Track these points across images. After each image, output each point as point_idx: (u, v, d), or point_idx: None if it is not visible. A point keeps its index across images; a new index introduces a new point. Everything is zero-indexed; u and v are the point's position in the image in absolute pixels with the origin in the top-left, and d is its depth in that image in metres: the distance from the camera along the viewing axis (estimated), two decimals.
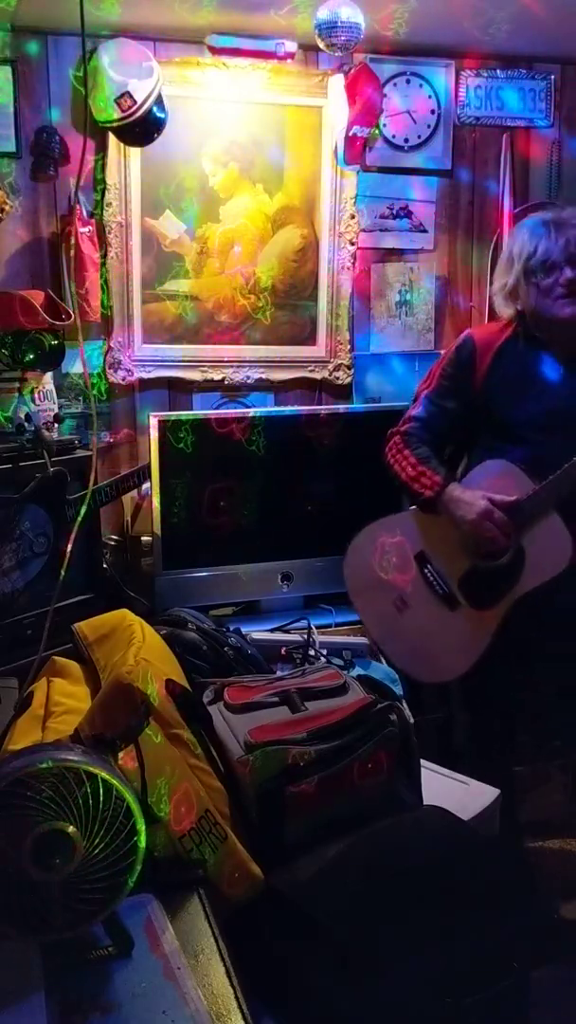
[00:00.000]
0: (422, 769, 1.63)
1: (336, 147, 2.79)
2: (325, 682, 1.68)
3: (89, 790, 1.10)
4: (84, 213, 2.64)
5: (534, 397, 2.10)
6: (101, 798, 1.10)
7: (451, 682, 2.22)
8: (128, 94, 2.47)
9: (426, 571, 2.20)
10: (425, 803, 1.58)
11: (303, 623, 2.28)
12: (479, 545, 2.08)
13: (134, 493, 2.68)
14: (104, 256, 2.71)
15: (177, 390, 2.90)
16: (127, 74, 2.47)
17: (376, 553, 2.30)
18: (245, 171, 2.79)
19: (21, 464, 2.12)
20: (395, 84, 2.89)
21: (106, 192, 2.68)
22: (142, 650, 1.51)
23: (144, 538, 2.67)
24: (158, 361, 2.83)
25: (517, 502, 2.03)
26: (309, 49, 2.69)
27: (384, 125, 2.89)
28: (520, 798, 2.35)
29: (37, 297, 2.29)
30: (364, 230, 2.95)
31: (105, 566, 2.52)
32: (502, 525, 2.03)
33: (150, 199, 2.73)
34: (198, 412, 2.74)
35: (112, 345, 2.78)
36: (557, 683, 2.22)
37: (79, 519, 2.00)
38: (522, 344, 2.16)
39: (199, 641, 1.93)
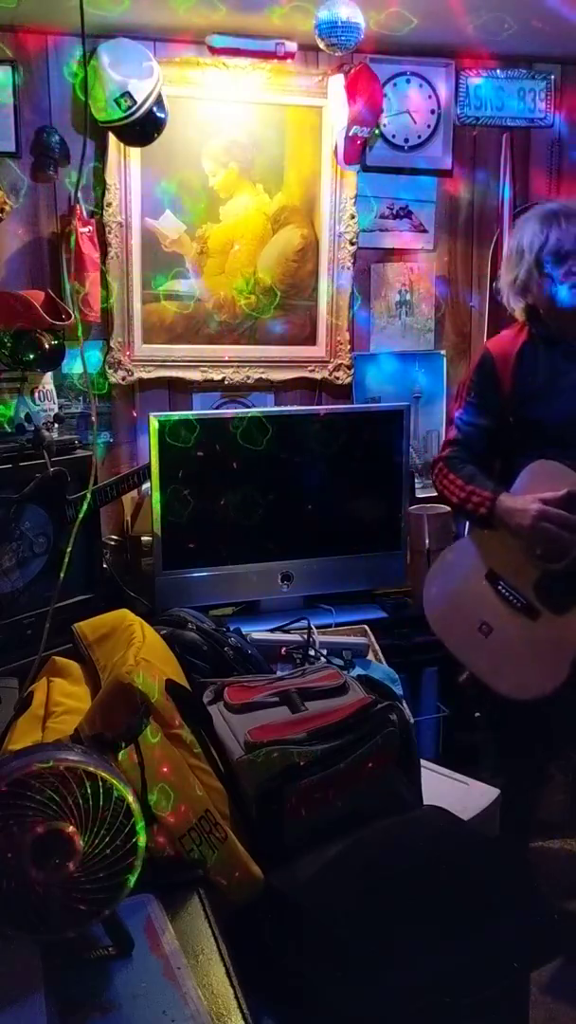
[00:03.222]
0: (422, 769, 1.63)
1: (336, 147, 2.79)
2: (325, 682, 1.68)
3: (89, 790, 1.10)
4: (84, 213, 2.64)
5: (563, 395, 2.09)
6: (101, 798, 1.10)
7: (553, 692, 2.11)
8: (128, 94, 2.47)
9: (500, 588, 2.15)
10: (425, 803, 1.58)
11: (303, 623, 2.28)
12: (544, 548, 2.05)
13: (134, 493, 2.68)
14: (104, 256, 2.71)
15: (177, 390, 2.90)
16: (127, 74, 2.47)
17: (449, 584, 2.27)
18: (245, 171, 2.79)
19: (21, 464, 2.12)
20: (395, 84, 2.89)
21: (106, 192, 2.68)
22: (142, 650, 1.51)
23: (144, 538, 2.67)
24: (158, 361, 2.83)
25: (570, 494, 2.00)
26: (309, 49, 2.69)
27: (384, 125, 2.89)
28: (522, 798, 2.35)
29: (37, 297, 2.29)
30: (364, 230, 2.95)
31: (105, 566, 2.52)
32: (560, 521, 2.00)
33: (150, 199, 2.73)
34: (198, 412, 2.75)
35: (112, 345, 2.77)
36: None
37: (79, 519, 2.00)
38: (539, 345, 2.15)
39: (199, 641, 1.93)
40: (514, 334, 2.21)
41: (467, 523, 2.90)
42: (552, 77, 2.99)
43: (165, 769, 1.35)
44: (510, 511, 2.07)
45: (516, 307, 2.18)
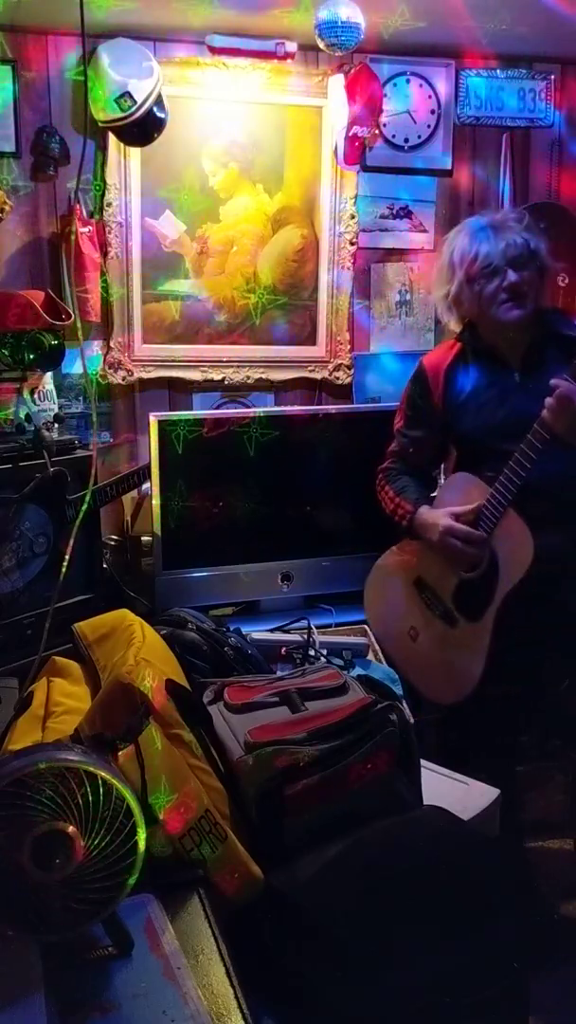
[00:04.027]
0: (422, 769, 1.63)
1: (336, 147, 2.79)
2: (325, 682, 1.68)
3: (89, 790, 1.10)
4: (84, 213, 2.65)
5: (492, 407, 2.12)
6: (101, 798, 1.10)
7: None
8: (128, 94, 2.47)
9: (424, 595, 2.25)
10: (425, 803, 1.58)
11: (303, 623, 2.28)
12: (452, 560, 2.12)
13: (134, 493, 2.68)
14: (104, 256, 2.71)
15: (177, 390, 2.90)
16: (127, 74, 2.47)
17: (384, 589, 2.37)
18: (245, 171, 2.79)
19: (21, 464, 2.12)
20: (395, 84, 2.89)
21: (106, 192, 2.68)
22: (142, 650, 1.51)
23: (144, 538, 2.67)
24: (158, 361, 2.83)
25: (478, 508, 2.05)
26: (309, 49, 2.69)
27: (384, 125, 2.89)
28: (520, 798, 2.35)
29: (37, 297, 2.28)
30: (364, 230, 2.95)
31: (105, 566, 2.52)
32: (466, 537, 2.06)
33: (150, 199, 2.73)
34: (198, 412, 2.74)
35: (112, 345, 2.78)
36: (562, 681, 2.22)
37: (79, 519, 2.00)
38: (471, 358, 2.18)
39: (199, 641, 1.93)
40: (447, 348, 2.25)
41: None
42: (552, 77, 2.99)
43: (165, 769, 1.35)
44: (423, 525, 2.17)
45: (448, 320, 2.21)
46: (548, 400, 1.87)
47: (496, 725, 2.23)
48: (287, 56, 2.67)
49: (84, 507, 2.03)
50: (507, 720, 2.24)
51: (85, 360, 2.67)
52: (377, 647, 2.34)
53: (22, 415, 2.26)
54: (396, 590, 2.32)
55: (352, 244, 2.92)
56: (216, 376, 2.88)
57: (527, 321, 2.07)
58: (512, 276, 2.03)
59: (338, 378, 2.98)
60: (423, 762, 1.66)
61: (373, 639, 2.36)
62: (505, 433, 2.04)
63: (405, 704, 1.76)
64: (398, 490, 2.28)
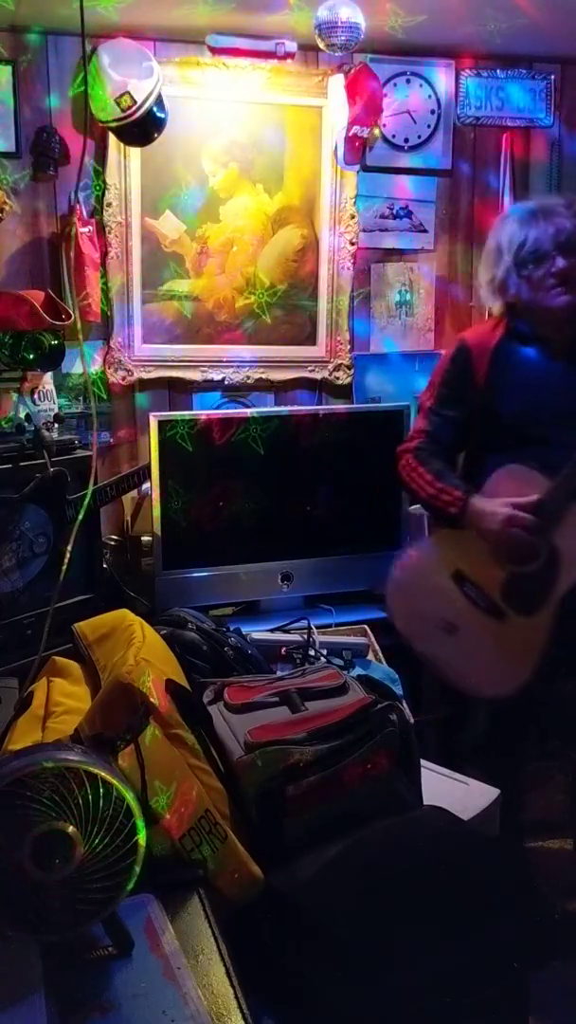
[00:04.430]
0: (422, 769, 1.63)
1: (336, 147, 2.79)
2: (325, 682, 1.68)
3: (89, 790, 1.10)
4: (84, 213, 2.65)
5: (536, 394, 2.08)
6: (101, 798, 1.10)
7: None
8: (128, 94, 2.47)
9: (465, 588, 2.15)
10: (425, 803, 1.58)
11: (303, 623, 2.27)
12: (511, 552, 2.05)
13: (134, 493, 2.68)
14: (104, 256, 2.71)
15: (177, 390, 2.90)
16: (127, 74, 2.47)
17: (413, 583, 2.26)
18: (245, 171, 2.79)
19: (21, 464, 2.12)
20: (395, 84, 2.89)
21: (106, 192, 2.68)
22: (142, 650, 1.51)
23: (144, 538, 2.67)
24: (158, 361, 2.83)
25: (539, 501, 2.00)
26: (309, 49, 2.69)
27: (384, 125, 2.89)
28: (521, 798, 2.35)
29: (37, 297, 2.29)
30: (364, 230, 2.95)
31: (105, 566, 2.52)
32: (529, 527, 2.00)
33: (150, 199, 2.73)
34: (198, 412, 2.74)
35: (112, 345, 2.78)
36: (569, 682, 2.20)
37: (79, 519, 2.00)
38: (517, 341, 2.13)
39: (199, 641, 1.93)
40: (491, 327, 2.19)
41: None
42: (552, 77, 2.99)
43: (165, 769, 1.35)
44: (480, 514, 2.06)
45: (493, 305, 2.17)
46: None
47: (522, 723, 2.20)
48: (287, 56, 2.67)
49: (84, 507, 2.03)
50: (527, 720, 2.21)
51: (85, 360, 2.67)
52: (377, 647, 2.33)
53: (22, 415, 2.26)
54: (429, 583, 2.21)
55: (352, 244, 2.92)
56: (216, 376, 2.88)
57: (574, 308, 2.03)
58: (561, 262, 2.00)
59: (338, 378, 2.98)
60: (423, 762, 1.66)
61: (373, 639, 2.36)
62: (549, 421, 2.01)
63: (405, 704, 1.76)
64: (437, 474, 2.16)
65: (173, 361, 2.85)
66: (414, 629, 2.24)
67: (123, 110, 2.48)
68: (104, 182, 2.68)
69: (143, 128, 2.56)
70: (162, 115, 2.57)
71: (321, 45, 2.42)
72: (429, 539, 2.31)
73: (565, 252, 2.01)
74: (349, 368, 2.99)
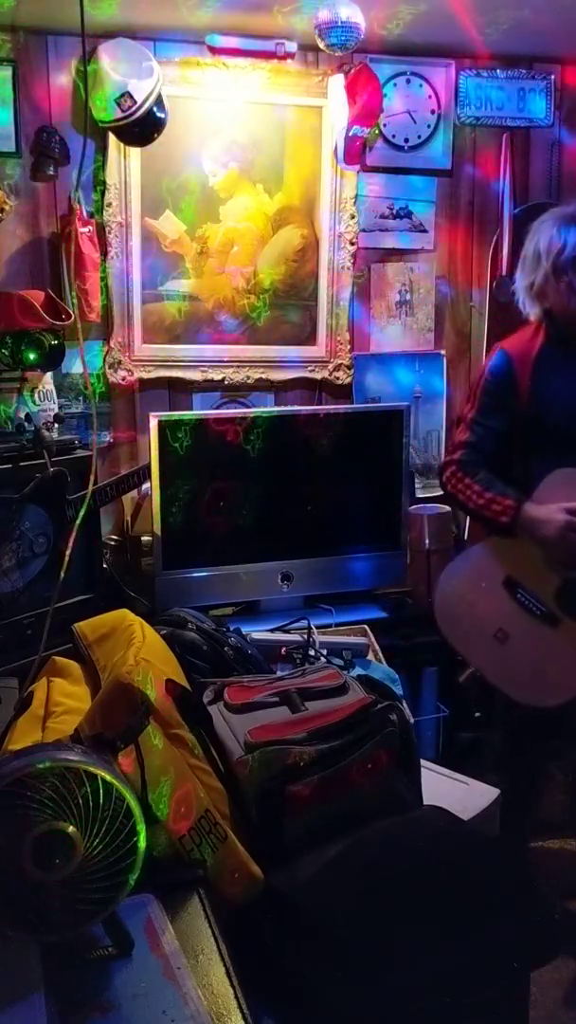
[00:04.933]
0: (422, 769, 1.63)
1: (336, 147, 2.79)
2: (325, 682, 1.68)
3: (89, 790, 1.10)
4: (84, 213, 2.64)
5: None
6: (101, 798, 1.10)
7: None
8: (128, 94, 2.47)
9: (519, 596, 2.14)
10: (425, 803, 1.58)
11: (303, 623, 2.28)
12: (567, 558, 2.04)
13: (134, 493, 2.68)
14: (104, 256, 2.71)
15: (177, 390, 2.90)
16: (127, 74, 2.47)
17: (464, 592, 2.24)
18: (245, 171, 2.79)
19: (21, 464, 2.12)
20: (395, 84, 2.89)
21: (106, 192, 2.68)
22: (142, 650, 1.51)
23: (144, 538, 2.67)
24: (158, 361, 2.83)
25: None
26: (309, 49, 2.69)
27: (384, 125, 2.89)
28: (527, 799, 2.35)
29: (37, 297, 2.29)
30: (364, 230, 2.95)
31: (105, 566, 2.52)
32: None
33: (150, 199, 2.73)
34: (198, 412, 2.75)
35: (112, 345, 2.78)
36: None
37: (79, 519, 2.00)
38: (558, 348, 2.12)
39: (199, 641, 1.93)
40: (531, 335, 2.17)
41: (467, 523, 2.89)
42: (552, 77, 2.99)
43: (165, 769, 1.35)
44: (534, 520, 2.05)
45: (532, 311, 2.15)
46: None
47: (548, 726, 2.18)
48: (287, 56, 2.67)
49: (84, 507, 2.03)
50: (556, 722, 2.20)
51: (85, 360, 2.67)
52: (377, 647, 2.33)
53: (22, 415, 2.26)
54: (480, 591, 2.20)
55: (352, 244, 2.91)
56: (216, 376, 2.88)
57: None
58: None
59: (338, 378, 2.98)
60: (423, 762, 1.66)
61: (373, 639, 2.36)
62: None
63: (405, 704, 1.76)
64: (485, 484, 2.15)
65: (173, 361, 2.85)
66: (465, 638, 2.22)
67: (123, 110, 2.48)
68: (104, 182, 2.68)
69: (143, 128, 2.56)
70: (162, 115, 2.57)
71: (321, 45, 2.42)
72: (476, 547, 2.26)
73: None
74: (349, 368, 2.99)
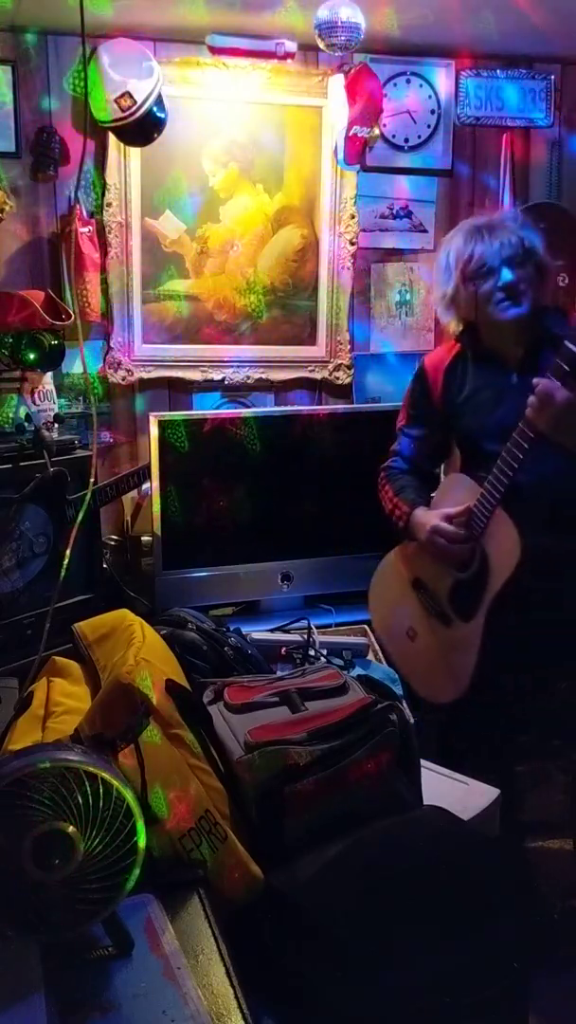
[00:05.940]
0: (422, 769, 1.63)
1: (336, 147, 2.79)
2: (325, 682, 1.68)
3: (89, 790, 1.10)
4: (84, 213, 2.65)
5: (488, 408, 2.11)
6: (101, 798, 1.10)
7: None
8: (128, 94, 2.47)
9: (420, 595, 2.24)
10: (425, 803, 1.58)
11: (303, 623, 2.28)
12: (444, 560, 2.12)
13: (134, 493, 2.68)
14: (104, 256, 2.71)
15: (177, 390, 2.90)
16: (127, 74, 2.47)
17: (385, 590, 2.37)
18: (245, 171, 2.79)
19: (21, 464, 2.12)
20: (395, 84, 2.89)
21: (106, 192, 2.68)
22: (142, 650, 1.51)
23: (144, 538, 2.67)
24: (158, 361, 2.83)
25: (469, 509, 2.05)
26: (309, 49, 2.69)
27: (384, 125, 2.89)
28: (520, 798, 2.35)
29: (37, 297, 2.29)
30: (364, 230, 2.95)
31: (105, 566, 2.52)
32: (453, 537, 2.06)
33: (150, 199, 2.73)
34: (198, 412, 2.75)
35: (112, 345, 2.78)
36: (561, 682, 2.21)
37: (79, 519, 2.00)
38: (471, 359, 2.18)
39: (199, 641, 1.93)
40: (447, 348, 2.25)
41: None
42: (552, 77, 2.99)
43: (165, 769, 1.35)
44: (416, 525, 2.17)
45: (448, 321, 2.21)
46: (531, 398, 1.87)
47: (490, 725, 2.22)
48: (287, 56, 2.67)
49: (84, 507, 2.03)
50: (501, 720, 2.24)
51: (85, 360, 2.67)
52: (377, 647, 2.34)
53: (22, 415, 2.26)
54: (396, 591, 2.32)
55: (352, 244, 2.92)
56: (216, 376, 2.88)
57: (525, 321, 2.06)
58: (507, 275, 2.03)
59: (338, 378, 2.99)
60: (423, 762, 1.66)
61: (373, 639, 2.36)
62: (501, 434, 2.03)
63: (405, 704, 1.76)
64: (397, 490, 2.28)
65: (173, 361, 2.85)
66: (390, 637, 2.35)
67: (123, 110, 2.48)
68: (104, 182, 2.68)
69: (143, 128, 2.56)
70: (162, 115, 2.57)
71: (321, 45, 2.42)
72: (394, 550, 2.38)
73: (511, 265, 2.03)
74: (349, 368, 2.99)
